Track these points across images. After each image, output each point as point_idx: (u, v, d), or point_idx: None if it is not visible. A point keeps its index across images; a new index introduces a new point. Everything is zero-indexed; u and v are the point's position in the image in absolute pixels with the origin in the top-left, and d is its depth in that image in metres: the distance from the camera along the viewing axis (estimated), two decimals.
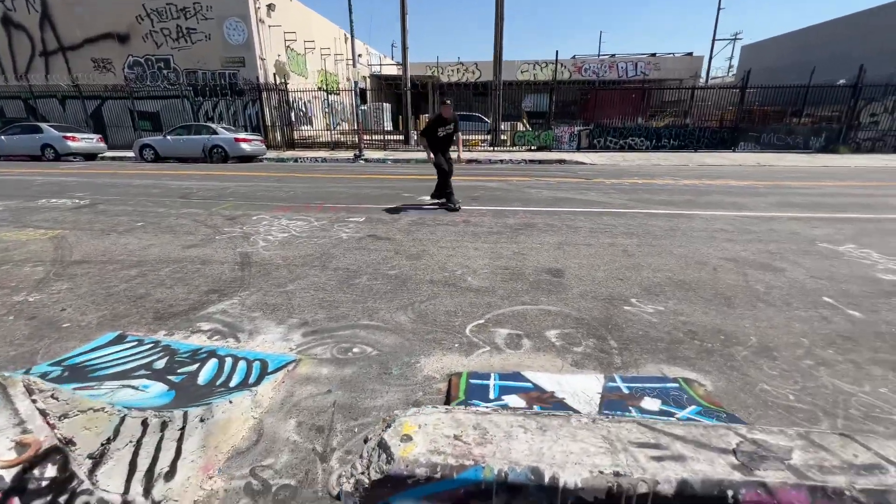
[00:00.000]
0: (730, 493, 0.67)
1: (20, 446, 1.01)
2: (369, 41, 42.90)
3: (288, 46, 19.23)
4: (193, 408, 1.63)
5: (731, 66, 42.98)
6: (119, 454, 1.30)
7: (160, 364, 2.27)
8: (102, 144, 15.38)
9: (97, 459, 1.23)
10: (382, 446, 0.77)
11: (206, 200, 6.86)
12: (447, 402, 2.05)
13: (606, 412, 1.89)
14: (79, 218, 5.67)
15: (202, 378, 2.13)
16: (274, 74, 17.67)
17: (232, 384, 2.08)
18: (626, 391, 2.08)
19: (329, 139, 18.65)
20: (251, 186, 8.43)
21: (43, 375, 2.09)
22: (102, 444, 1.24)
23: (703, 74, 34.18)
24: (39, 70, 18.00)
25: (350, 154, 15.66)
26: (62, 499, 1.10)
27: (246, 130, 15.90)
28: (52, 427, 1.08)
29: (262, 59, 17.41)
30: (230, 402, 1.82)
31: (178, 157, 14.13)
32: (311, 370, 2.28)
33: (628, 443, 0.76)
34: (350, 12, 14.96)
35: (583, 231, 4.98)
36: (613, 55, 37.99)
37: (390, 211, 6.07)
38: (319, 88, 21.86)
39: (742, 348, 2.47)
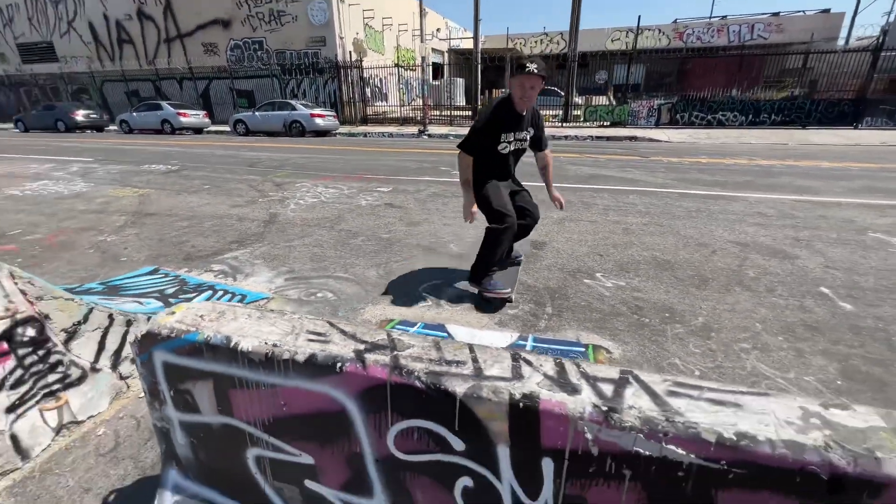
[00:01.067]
0: (338, 364, 0.92)
1: (6, 310, 1.55)
2: (450, 15, 42.28)
3: (366, 24, 20.06)
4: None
5: (887, 24, 35.10)
6: (90, 335, 1.84)
7: (170, 290, 2.90)
8: (207, 120, 17.72)
9: (70, 334, 1.77)
10: (157, 315, 1.13)
11: (266, 169, 7.80)
12: None
13: None
14: (165, 180, 6.87)
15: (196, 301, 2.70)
16: (351, 52, 18.64)
17: None
18: (528, 348, 2.22)
19: (399, 115, 19.34)
20: (310, 158, 9.31)
21: (89, 289, 2.82)
22: (74, 325, 1.78)
23: (843, 35, 28.52)
24: (163, 55, 21.04)
25: (416, 129, 16.18)
26: (40, 352, 1.65)
27: (322, 106, 17.16)
28: (31, 304, 1.62)
29: (341, 38, 18.44)
30: None
31: (265, 132, 15.81)
32: (278, 306, 2.75)
33: (304, 330, 1.03)
34: None
35: (596, 208, 4.86)
36: (724, 17, 33.44)
37: (419, 183, 6.40)
38: (395, 65, 22.60)
39: (680, 326, 2.43)
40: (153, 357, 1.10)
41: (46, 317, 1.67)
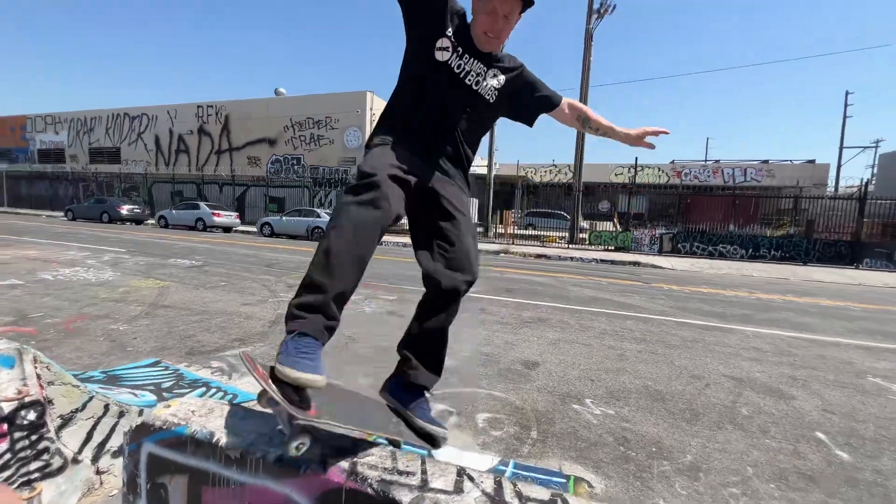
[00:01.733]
0: (302, 467, 1.02)
1: (19, 393, 1.68)
2: None
3: None
4: (150, 408, 2.23)
5: (873, 175, 38.28)
6: (82, 423, 1.92)
7: (166, 384, 2.98)
8: (237, 220, 19.22)
9: (65, 421, 1.86)
10: (155, 408, 1.26)
11: (283, 270, 8.27)
12: None
13: None
14: (186, 275, 7.31)
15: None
16: None
17: None
18: (507, 475, 2.17)
19: None
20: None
21: (91, 377, 2.93)
22: (72, 411, 1.88)
23: (831, 183, 30.93)
24: (212, 163, 23.79)
25: None
26: (33, 437, 1.73)
27: None
28: (41, 388, 1.75)
29: None
30: None
31: (289, 235, 16.95)
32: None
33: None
34: None
35: (592, 331, 4.96)
36: (718, 161, 36.93)
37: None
38: None
39: (668, 463, 2.37)
40: (141, 448, 1.20)
41: (50, 402, 1.79)
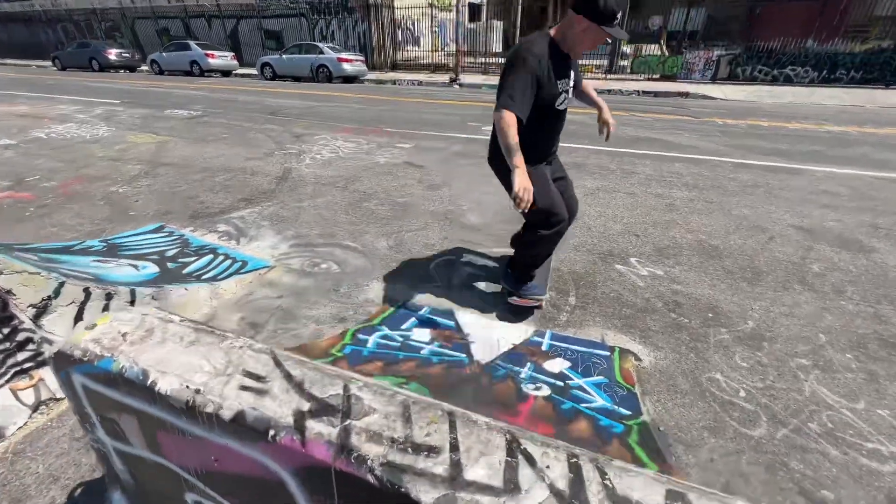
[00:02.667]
0: (271, 432, 0.68)
1: None
2: None
3: None
4: (143, 288, 2.01)
5: None
6: (63, 310, 1.70)
7: (171, 252, 2.76)
8: (235, 62, 17.27)
9: (40, 310, 1.63)
10: (75, 329, 0.92)
11: (287, 118, 7.49)
12: (368, 321, 2.18)
13: (500, 363, 1.84)
14: (185, 127, 6.70)
15: (190, 268, 2.56)
16: None
17: (205, 276, 2.46)
18: (545, 348, 1.96)
19: (431, 61, 18.27)
20: (333, 107, 8.89)
21: (90, 247, 2.72)
22: (44, 300, 1.64)
23: None
24: None
25: (447, 78, 15.26)
26: (4, 330, 1.52)
27: (350, 51, 16.34)
28: None
29: None
30: (185, 289, 2.19)
31: (292, 76, 15.28)
32: (277, 277, 2.57)
33: (240, 369, 0.79)
34: None
35: (637, 177, 4.37)
36: None
37: (443, 139, 5.97)
38: (430, 5, 21.04)
39: (726, 331, 2.10)
40: (71, 378, 0.90)
41: (9, 292, 1.53)
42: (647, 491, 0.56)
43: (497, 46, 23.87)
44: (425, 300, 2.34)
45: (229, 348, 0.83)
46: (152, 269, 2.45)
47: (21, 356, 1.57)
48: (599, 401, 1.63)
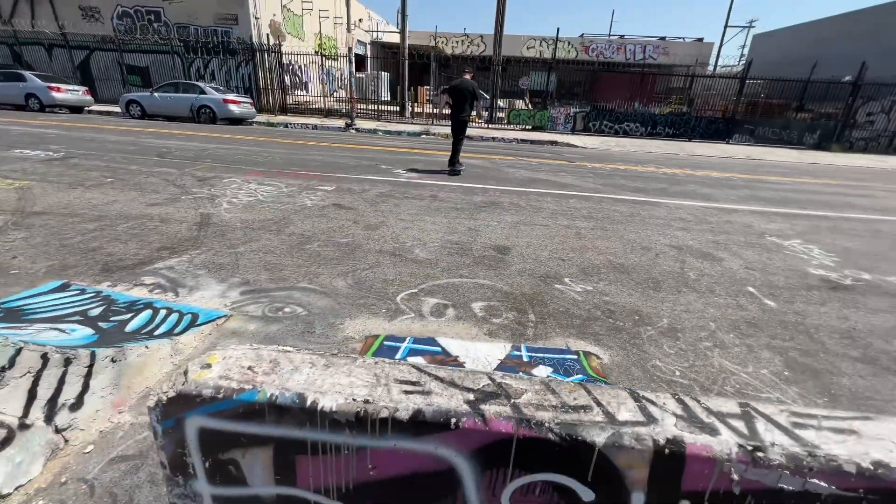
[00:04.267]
0: (453, 421, 0.81)
1: None
2: (371, 5, 41.51)
3: (284, 6, 18.65)
4: (103, 349, 1.77)
5: (742, 55, 42.13)
6: (16, 382, 1.43)
7: (95, 312, 2.39)
8: (89, 97, 15.08)
9: None
10: (185, 372, 0.90)
11: (182, 161, 6.87)
12: None
13: None
14: (49, 170, 5.69)
15: (131, 326, 2.26)
16: (268, 35, 17.19)
17: (157, 333, 2.21)
18: (525, 359, 2.23)
19: (322, 106, 18.38)
20: (232, 149, 8.40)
21: None
22: None
23: (712, 62, 33.45)
24: (25, 15, 17.41)
25: (342, 123, 15.48)
26: None
27: (236, 92, 15.62)
28: None
29: (257, 18, 16.91)
30: (146, 346, 1.96)
31: (166, 116, 13.92)
32: (240, 325, 2.42)
33: (392, 379, 0.90)
34: None
35: (544, 212, 5.08)
36: (623, 36, 37.05)
37: (363, 182, 6.12)
38: (316, 52, 21.36)
39: (651, 328, 2.63)
40: (184, 424, 0.87)
41: None
42: (726, 406, 0.85)
43: (385, 95, 25.10)
44: (404, 331, 2.45)
45: (368, 365, 0.92)
46: (84, 330, 2.11)
47: None
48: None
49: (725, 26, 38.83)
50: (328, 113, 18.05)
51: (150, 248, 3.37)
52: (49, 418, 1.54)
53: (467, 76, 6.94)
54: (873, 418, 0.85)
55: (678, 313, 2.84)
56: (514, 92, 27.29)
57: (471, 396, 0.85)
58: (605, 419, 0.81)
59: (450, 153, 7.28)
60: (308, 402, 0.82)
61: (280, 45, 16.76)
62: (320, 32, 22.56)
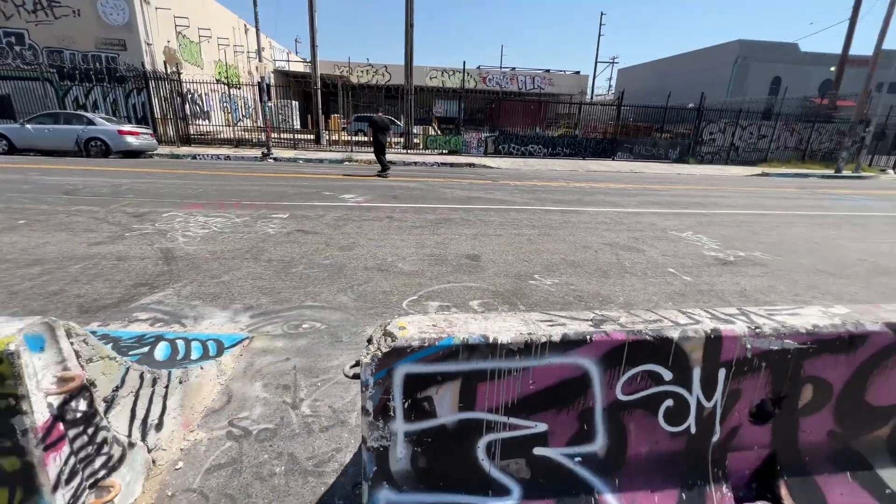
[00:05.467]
0: (588, 336, 1.22)
1: (61, 381, 1.19)
2: (273, 35, 40.55)
3: (179, 33, 17.58)
4: (175, 369, 1.82)
5: (610, 86, 49.53)
6: (124, 401, 1.49)
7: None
8: None
9: (109, 403, 1.41)
10: (388, 334, 1.18)
11: (99, 197, 6.24)
12: None
13: None
14: None
15: (158, 356, 2.25)
16: (164, 63, 16.03)
17: (192, 358, 2.24)
18: None
19: (231, 136, 17.48)
20: (150, 183, 7.78)
21: None
22: (113, 391, 1.43)
23: (588, 91, 38.65)
24: None
25: (257, 152, 14.93)
26: (89, 431, 1.29)
27: (130, 122, 14.23)
28: (83, 368, 1.27)
29: (149, 44, 15.70)
30: (201, 367, 2.02)
31: (42, 150, 12.17)
32: (267, 344, 2.51)
33: (535, 321, 1.28)
34: (255, 4, 14.20)
35: (493, 224, 5.69)
36: (514, 68, 40.92)
37: (314, 208, 6.19)
38: (218, 81, 20.32)
39: (614, 306, 3.27)
40: (393, 372, 1.15)
41: (93, 384, 1.32)
42: (731, 310, 1.38)
43: (296, 124, 24.61)
44: None
45: (512, 314, 1.29)
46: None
47: (98, 462, 1.33)
48: None
49: (596, 62, 45.13)
50: (239, 143, 17.23)
51: (124, 286, 3.20)
52: (143, 437, 1.58)
53: (381, 114, 10.77)
54: (802, 307, 1.45)
55: (628, 292, 3.54)
56: (424, 119, 28.64)
57: (589, 323, 1.27)
58: (673, 324, 1.28)
59: (379, 168, 10.56)
60: (490, 340, 1.17)
61: (179, 73, 15.72)
62: (222, 61, 21.56)
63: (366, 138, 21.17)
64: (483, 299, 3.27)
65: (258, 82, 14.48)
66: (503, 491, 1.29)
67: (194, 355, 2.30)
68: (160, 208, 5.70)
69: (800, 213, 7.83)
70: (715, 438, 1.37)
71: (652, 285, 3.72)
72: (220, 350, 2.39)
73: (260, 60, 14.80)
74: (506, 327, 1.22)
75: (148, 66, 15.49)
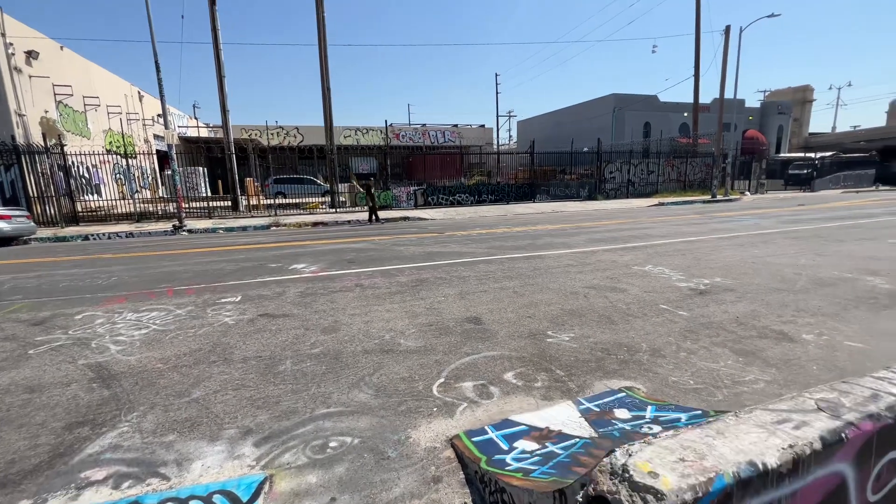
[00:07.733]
0: (842, 435, 1.00)
1: None
2: (171, 101, 38.45)
3: (60, 101, 15.62)
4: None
5: (510, 137, 54.58)
6: None
7: None
8: None
9: None
10: (638, 487, 0.85)
11: None
12: (463, 466, 2.02)
13: (598, 429, 2.19)
14: None
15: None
16: (43, 134, 13.96)
17: None
18: (596, 409, 2.43)
19: (131, 209, 15.50)
20: (42, 277, 6.33)
21: None
22: None
23: (494, 142, 41.86)
24: None
25: (166, 226, 13.33)
26: None
27: None
28: None
29: (21, 116, 13.65)
30: None
31: None
32: (297, 483, 1.92)
33: (770, 423, 1.04)
34: (157, 70, 13.07)
35: (471, 280, 5.48)
36: (424, 124, 43.08)
37: (267, 285, 5.46)
38: (109, 151, 18.23)
39: (642, 354, 3.17)
40: None
41: None
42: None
43: (206, 191, 22.77)
44: (475, 422, 2.35)
45: (735, 422, 1.04)
46: None
47: None
48: (675, 415, 2.24)
49: (497, 115, 49.50)
50: (141, 217, 15.28)
51: (52, 432, 2.33)
52: None
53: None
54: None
55: (644, 337, 3.49)
56: (343, 177, 28.44)
57: (824, 414, 1.06)
58: (892, 395, 1.13)
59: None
60: (760, 467, 0.90)
61: (62, 145, 13.75)
62: (114, 130, 19.50)
63: (287, 201, 20.24)
64: (515, 369, 2.97)
65: (166, 149, 13.19)
66: None
67: None
68: (67, 309, 4.57)
69: (717, 236, 8.84)
70: None
71: (659, 325, 3.72)
72: (239, 502, 1.76)
73: (167, 127, 13.53)
74: (753, 441, 0.96)
75: (20, 140, 13.36)
